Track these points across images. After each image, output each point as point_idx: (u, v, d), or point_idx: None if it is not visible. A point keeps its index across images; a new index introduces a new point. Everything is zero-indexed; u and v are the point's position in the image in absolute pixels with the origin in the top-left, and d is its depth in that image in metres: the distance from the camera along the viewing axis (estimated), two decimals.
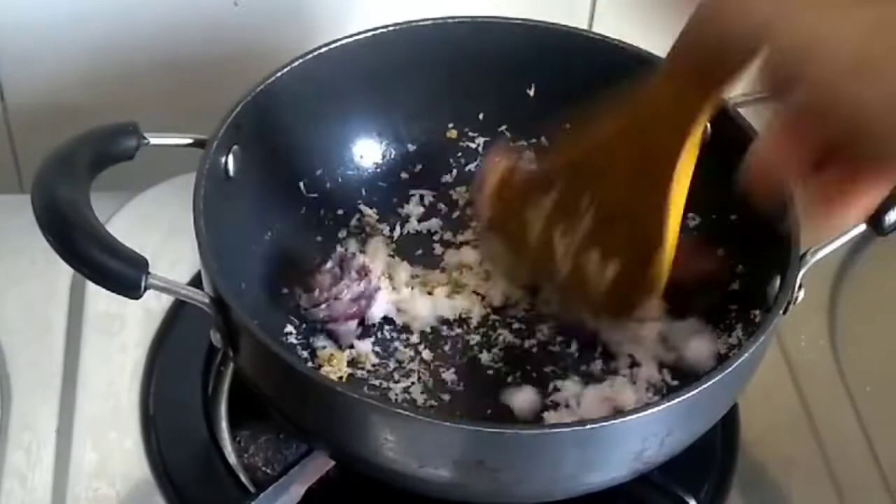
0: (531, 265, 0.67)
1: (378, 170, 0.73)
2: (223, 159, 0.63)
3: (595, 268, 0.62)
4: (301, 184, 0.70)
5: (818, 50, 0.40)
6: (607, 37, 0.70)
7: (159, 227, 0.77)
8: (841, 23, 0.40)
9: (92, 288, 0.55)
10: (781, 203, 0.58)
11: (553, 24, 0.71)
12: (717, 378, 0.54)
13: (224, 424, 0.68)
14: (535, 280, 0.68)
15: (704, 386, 0.54)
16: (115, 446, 0.67)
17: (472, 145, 0.74)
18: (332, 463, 0.62)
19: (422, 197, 0.74)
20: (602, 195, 0.60)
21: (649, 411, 0.53)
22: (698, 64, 0.48)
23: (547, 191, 0.62)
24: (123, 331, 0.72)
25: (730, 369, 0.54)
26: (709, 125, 0.65)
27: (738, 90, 0.56)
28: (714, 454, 0.67)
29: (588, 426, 0.53)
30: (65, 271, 0.56)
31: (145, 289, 0.55)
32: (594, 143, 0.59)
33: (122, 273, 0.55)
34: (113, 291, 0.55)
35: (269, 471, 0.66)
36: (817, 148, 0.43)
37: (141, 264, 0.55)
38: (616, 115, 0.58)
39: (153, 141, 0.61)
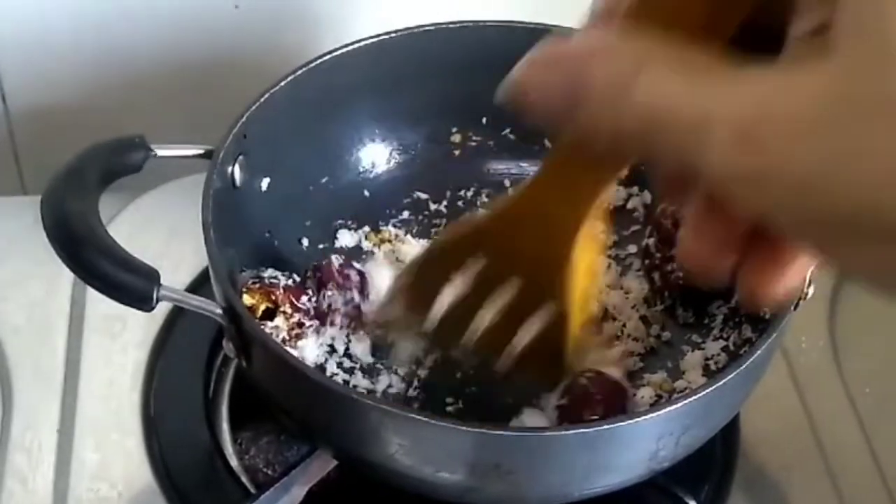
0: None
1: (383, 175, 0.73)
2: (230, 169, 0.63)
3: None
4: (307, 191, 0.70)
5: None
6: None
7: (161, 230, 0.77)
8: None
9: (93, 289, 0.55)
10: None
11: (554, 26, 0.71)
12: (732, 375, 0.54)
13: (225, 426, 0.68)
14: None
15: (719, 384, 0.53)
16: (116, 447, 0.67)
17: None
18: (334, 464, 0.62)
19: (427, 201, 0.74)
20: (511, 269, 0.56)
21: (665, 410, 0.53)
22: (585, 160, 0.44)
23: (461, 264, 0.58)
24: (125, 332, 0.72)
25: (744, 365, 0.54)
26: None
27: None
28: (714, 455, 0.67)
29: (604, 426, 0.53)
30: (66, 273, 0.55)
31: (157, 301, 0.55)
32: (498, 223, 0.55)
33: (134, 286, 0.55)
34: (125, 304, 0.55)
35: (270, 472, 0.66)
36: (738, 229, 0.38)
37: (152, 277, 0.55)
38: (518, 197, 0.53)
39: (160, 153, 0.61)
